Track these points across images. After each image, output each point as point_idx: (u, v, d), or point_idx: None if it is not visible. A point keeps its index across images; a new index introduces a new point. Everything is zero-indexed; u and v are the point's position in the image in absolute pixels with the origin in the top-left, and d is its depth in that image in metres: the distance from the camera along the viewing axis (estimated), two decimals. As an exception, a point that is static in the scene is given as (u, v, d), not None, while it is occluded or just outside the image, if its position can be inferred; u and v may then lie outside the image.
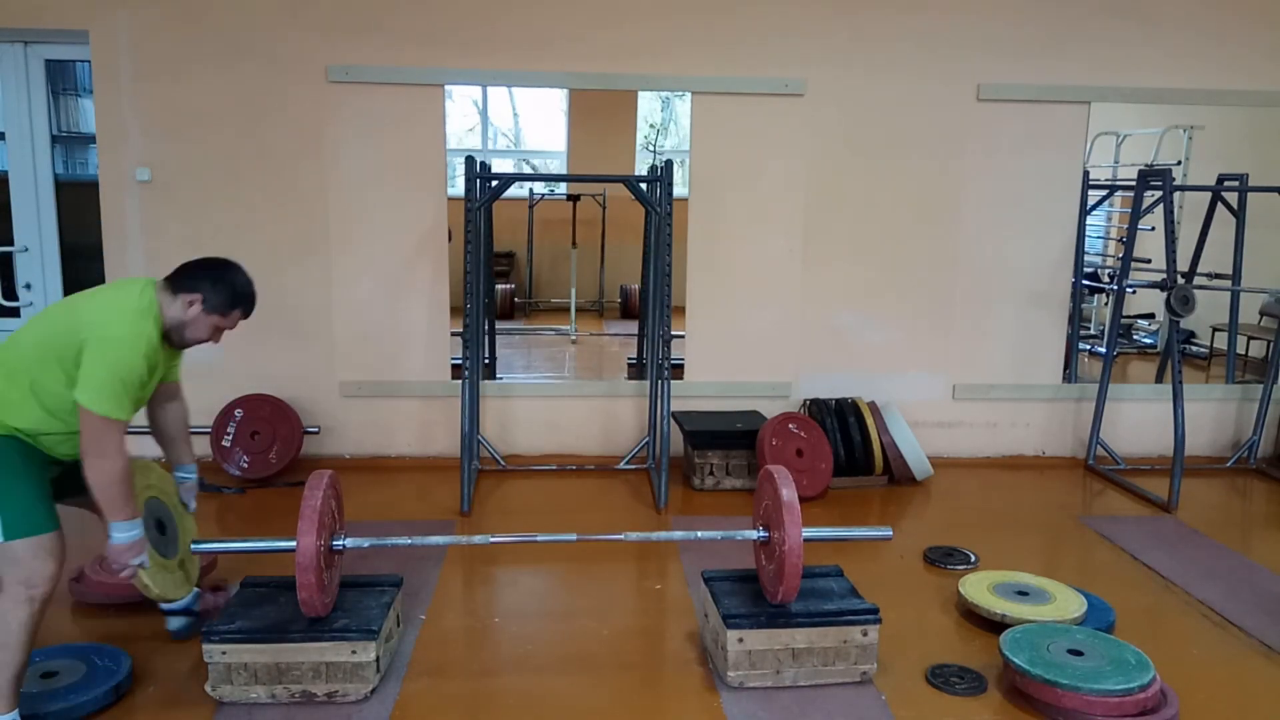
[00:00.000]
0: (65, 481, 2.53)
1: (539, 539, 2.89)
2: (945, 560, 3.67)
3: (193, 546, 2.74)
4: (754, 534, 2.85)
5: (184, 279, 2.54)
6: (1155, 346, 7.09)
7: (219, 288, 2.56)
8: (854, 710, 2.61)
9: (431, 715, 2.59)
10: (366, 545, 2.79)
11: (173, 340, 2.58)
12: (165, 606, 2.89)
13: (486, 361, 5.48)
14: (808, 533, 2.66)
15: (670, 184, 4.48)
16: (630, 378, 5.65)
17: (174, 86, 4.52)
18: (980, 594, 3.17)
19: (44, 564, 2.31)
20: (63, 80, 4.91)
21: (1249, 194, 5.33)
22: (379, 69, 4.55)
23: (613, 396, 5.02)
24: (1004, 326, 5.04)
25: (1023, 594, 3.17)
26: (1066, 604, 3.09)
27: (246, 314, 2.66)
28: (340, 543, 2.73)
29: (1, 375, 2.38)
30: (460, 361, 4.43)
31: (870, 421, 4.63)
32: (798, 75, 4.71)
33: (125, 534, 2.45)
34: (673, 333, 4.47)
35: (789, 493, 2.69)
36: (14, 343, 2.43)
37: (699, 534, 2.95)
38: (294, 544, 2.52)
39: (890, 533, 2.96)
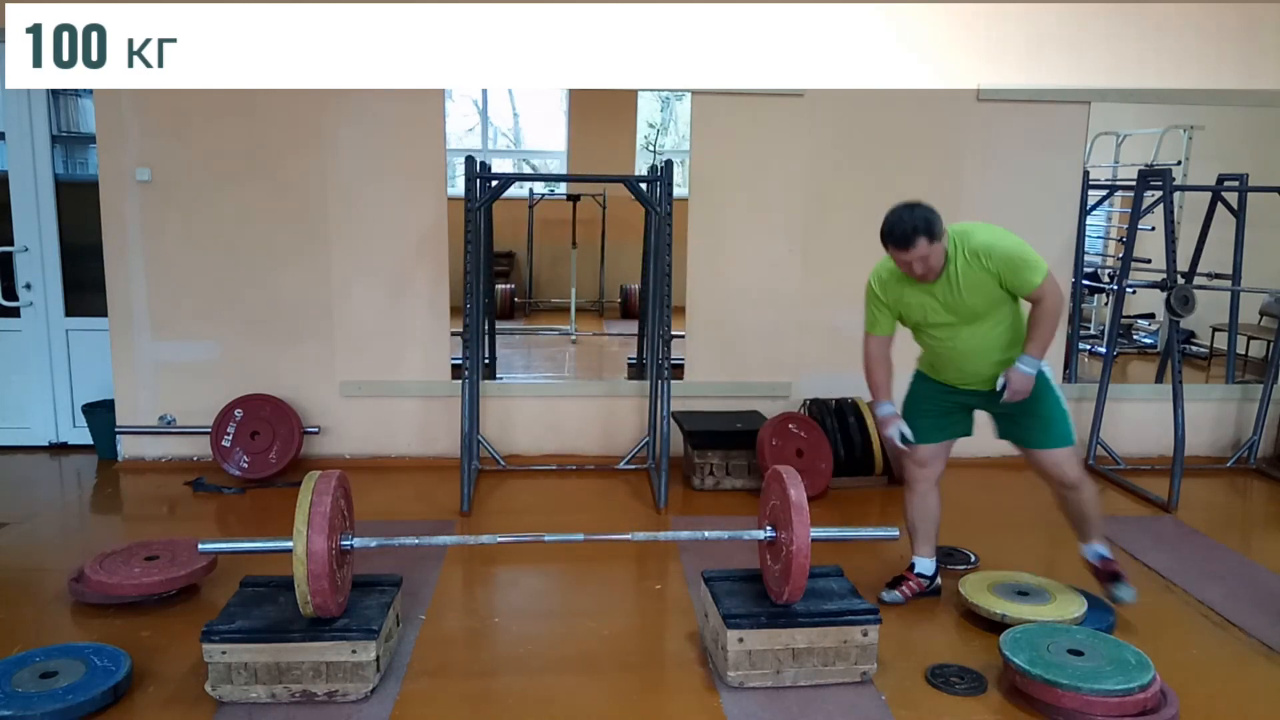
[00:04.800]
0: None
1: (546, 539, 2.88)
2: (945, 560, 3.66)
3: (200, 547, 2.73)
4: (761, 534, 2.85)
5: None
6: (1155, 346, 7.08)
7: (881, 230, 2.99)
8: (854, 710, 2.61)
9: (431, 715, 2.59)
10: (374, 545, 2.79)
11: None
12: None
13: (486, 361, 5.48)
14: (815, 533, 2.66)
15: (670, 184, 4.48)
16: (630, 378, 5.65)
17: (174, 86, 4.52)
18: (980, 594, 3.17)
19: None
20: (63, 80, 4.91)
21: (1249, 194, 5.33)
22: (379, 69, 4.55)
23: (613, 396, 5.02)
24: (1004, 326, 5.03)
25: (1023, 594, 3.17)
26: (1067, 604, 3.09)
27: (893, 245, 2.96)
28: (349, 542, 2.73)
29: None
30: (460, 361, 4.44)
31: (870, 421, 4.63)
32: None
33: None
34: (673, 333, 4.47)
35: (798, 493, 2.69)
36: None
37: (706, 534, 2.95)
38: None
39: (897, 533, 2.97)
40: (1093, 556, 3.24)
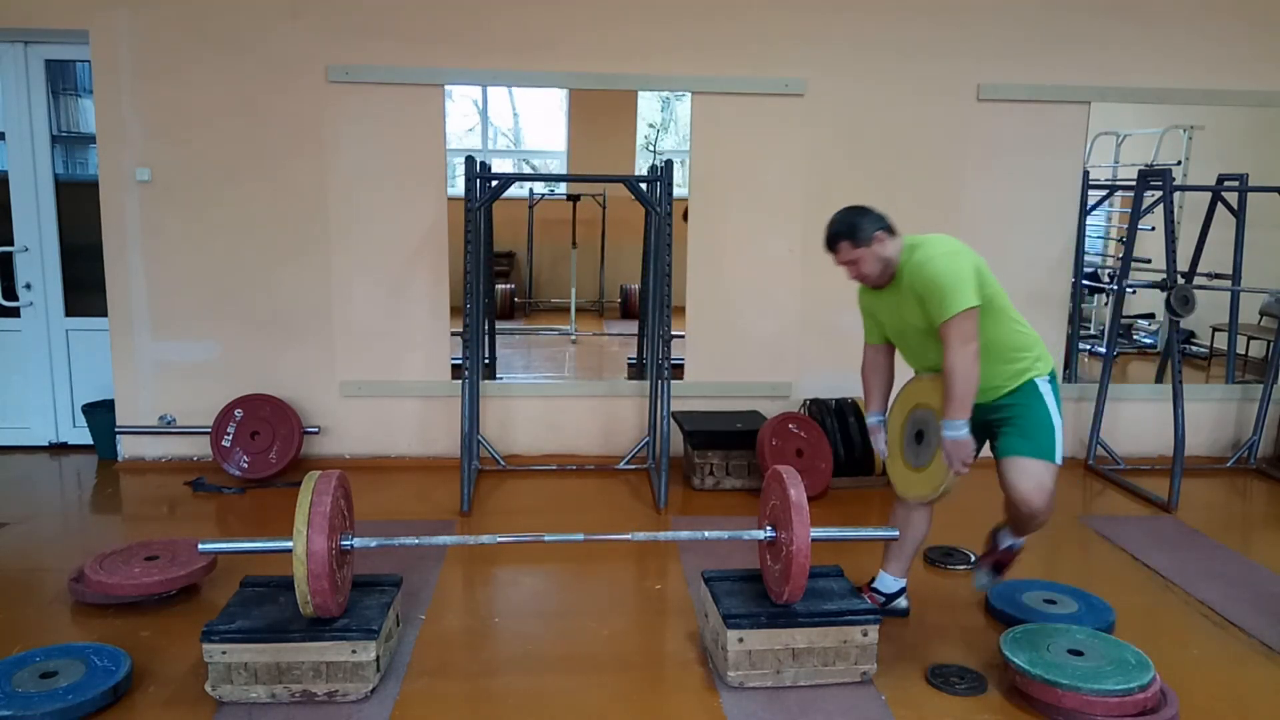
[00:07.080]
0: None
1: (546, 539, 2.88)
2: (945, 560, 3.67)
3: (200, 547, 2.73)
4: (761, 534, 2.85)
5: None
6: (1155, 346, 7.08)
7: None
8: (854, 710, 2.61)
9: (431, 715, 2.59)
10: (374, 545, 2.79)
11: None
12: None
13: (486, 361, 5.48)
14: (815, 533, 2.66)
15: (670, 184, 4.48)
16: (630, 378, 5.65)
17: (174, 86, 4.52)
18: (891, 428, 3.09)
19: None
20: (63, 80, 4.91)
21: (1249, 194, 5.33)
22: (379, 69, 4.55)
23: (613, 396, 5.02)
24: (1004, 326, 5.03)
25: (919, 435, 3.00)
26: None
27: (828, 248, 2.86)
28: (349, 542, 2.73)
29: None
30: (460, 361, 4.44)
31: (870, 421, 4.62)
32: (798, 75, 4.71)
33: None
34: (673, 333, 4.47)
35: (798, 493, 2.69)
36: None
37: (706, 534, 2.94)
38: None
39: (897, 533, 2.97)
40: (1004, 540, 3.11)
